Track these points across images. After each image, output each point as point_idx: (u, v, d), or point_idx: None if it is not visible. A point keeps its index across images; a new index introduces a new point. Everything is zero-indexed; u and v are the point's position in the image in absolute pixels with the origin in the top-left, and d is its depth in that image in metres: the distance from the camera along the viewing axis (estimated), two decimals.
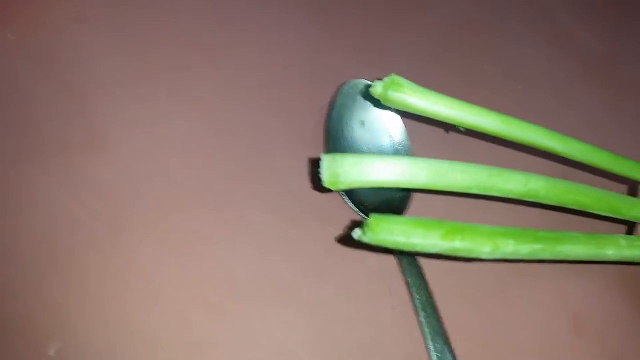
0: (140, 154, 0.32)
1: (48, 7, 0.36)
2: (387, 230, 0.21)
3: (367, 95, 0.30)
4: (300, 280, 0.29)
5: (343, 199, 0.30)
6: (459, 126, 0.25)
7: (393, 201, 0.31)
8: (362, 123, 0.32)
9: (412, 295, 0.28)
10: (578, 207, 0.26)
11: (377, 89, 0.25)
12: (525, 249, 0.23)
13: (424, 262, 0.29)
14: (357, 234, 0.22)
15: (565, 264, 0.31)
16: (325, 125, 0.32)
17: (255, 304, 0.29)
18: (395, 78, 0.24)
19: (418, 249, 0.22)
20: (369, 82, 0.30)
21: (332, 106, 0.32)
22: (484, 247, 0.22)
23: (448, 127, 0.27)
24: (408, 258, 0.29)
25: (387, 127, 0.32)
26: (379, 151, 0.31)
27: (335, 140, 0.31)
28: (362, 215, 0.30)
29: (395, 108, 0.26)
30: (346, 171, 0.23)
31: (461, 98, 0.31)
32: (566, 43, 0.41)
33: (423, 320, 0.28)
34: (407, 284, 0.29)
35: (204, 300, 0.28)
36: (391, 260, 0.30)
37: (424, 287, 0.28)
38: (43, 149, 0.31)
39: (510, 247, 0.23)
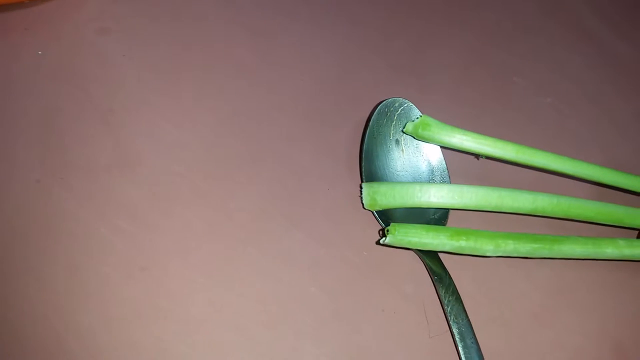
0: (169, 171, 0.31)
1: (70, 21, 0.35)
2: (403, 233, 0.28)
3: (403, 115, 0.33)
4: (333, 307, 0.29)
5: (377, 221, 0.31)
6: (481, 155, 0.31)
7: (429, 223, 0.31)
8: (397, 142, 0.32)
9: (449, 324, 0.28)
10: (582, 219, 0.31)
11: (409, 128, 0.31)
12: (524, 248, 0.29)
13: (462, 290, 0.29)
14: (382, 240, 0.29)
15: (604, 291, 0.32)
16: (361, 144, 0.33)
17: (286, 330, 0.28)
18: (425, 118, 0.31)
19: (429, 247, 0.29)
20: (404, 100, 0.33)
21: (367, 125, 0.32)
22: (487, 246, 0.29)
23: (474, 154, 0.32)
24: (446, 285, 0.29)
25: (422, 146, 0.33)
26: (414, 170, 0.32)
27: (370, 159, 0.32)
28: None
29: (426, 142, 0.32)
30: (382, 196, 0.30)
31: (491, 111, 0.36)
32: (597, 52, 0.41)
33: (461, 350, 0.27)
34: (445, 312, 0.29)
35: (235, 325, 0.28)
36: (428, 287, 0.30)
37: (462, 315, 0.28)
38: (68, 167, 0.30)
39: (510, 246, 0.29)
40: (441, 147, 0.33)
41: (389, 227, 0.29)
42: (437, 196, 0.30)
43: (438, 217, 0.32)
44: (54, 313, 0.27)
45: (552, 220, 0.32)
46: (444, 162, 0.33)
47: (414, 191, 0.30)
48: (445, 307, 0.29)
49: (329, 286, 0.30)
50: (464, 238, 0.29)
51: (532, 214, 0.31)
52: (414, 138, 0.32)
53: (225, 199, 0.31)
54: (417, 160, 0.33)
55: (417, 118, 0.31)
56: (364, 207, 0.31)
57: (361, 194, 0.31)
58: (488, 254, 0.30)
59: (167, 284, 0.28)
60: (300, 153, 0.33)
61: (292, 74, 0.36)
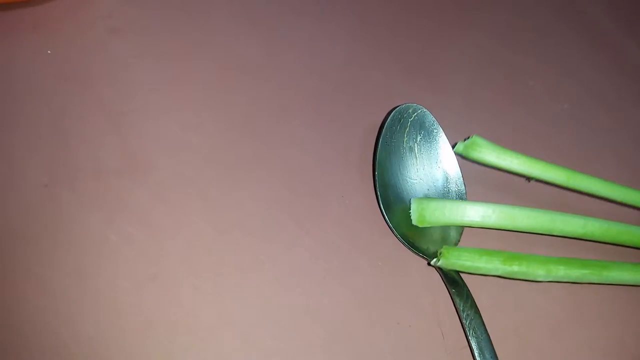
0: (179, 176, 0.30)
1: (80, 19, 0.34)
2: (456, 256, 0.28)
3: (416, 122, 0.32)
4: (346, 319, 0.28)
5: (393, 232, 0.30)
6: (528, 177, 0.32)
7: (446, 236, 0.31)
8: (411, 149, 0.32)
9: (468, 338, 0.28)
10: (631, 245, 0.31)
11: (459, 148, 0.31)
12: (575, 273, 0.29)
13: (477, 303, 0.28)
14: (433, 261, 0.29)
15: (623, 306, 0.31)
16: (374, 151, 0.32)
17: (299, 343, 0.27)
18: (475, 139, 0.31)
19: (482, 271, 0.29)
20: (418, 106, 0.32)
21: (380, 131, 0.32)
22: (538, 271, 0.29)
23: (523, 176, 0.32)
24: (464, 298, 0.28)
25: (436, 154, 0.32)
26: (429, 177, 0.32)
27: (384, 167, 0.31)
28: (409, 247, 0.30)
29: (475, 162, 0.32)
30: (431, 212, 0.30)
31: (506, 115, 0.36)
32: (614, 58, 0.41)
33: None
34: (463, 325, 0.28)
35: (245, 336, 0.27)
36: (444, 300, 0.29)
37: (481, 328, 0.27)
38: (77, 171, 0.30)
39: (561, 271, 0.29)
40: (490, 167, 0.32)
41: (441, 250, 0.29)
42: (488, 216, 0.30)
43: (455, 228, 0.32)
44: (60, 322, 0.26)
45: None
46: (459, 170, 0.33)
47: (465, 210, 0.30)
48: (464, 321, 0.28)
49: (342, 297, 0.29)
50: (517, 263, 0.29)
51: (582, 238, 0.31)
52: (462, 157, 0.32)
53: (236, 205, 0.30)
54: (432, 168, 0.32)
55: (467, 138, 0.31)
56: (383, 213, 0.31)
57: (378, 201, 0.31)
58: (539, 279, 0.29)
59: (177, 293, 0.28)
60: (311, 158, 0.33)
61: (303, 74, 0.35)
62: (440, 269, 0.30)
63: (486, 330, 0.28)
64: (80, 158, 0.30)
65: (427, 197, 0.31)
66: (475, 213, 0.30)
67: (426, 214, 0.30)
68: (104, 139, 0.31)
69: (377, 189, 0.31)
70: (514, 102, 0.37)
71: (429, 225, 0.30)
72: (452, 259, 0.28)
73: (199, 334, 0.27)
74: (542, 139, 0.36)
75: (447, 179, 0.32)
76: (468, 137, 0.31)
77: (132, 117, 0.32)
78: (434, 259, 0.29)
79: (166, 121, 0.32)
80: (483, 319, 0.28)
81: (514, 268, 0.29)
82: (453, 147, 0.32)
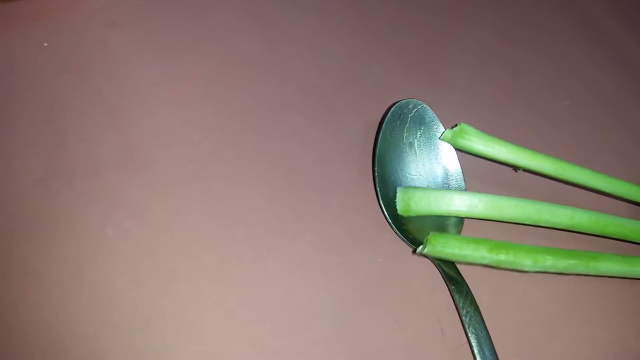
0: (178, 171, 0.30)
1: (78, 12, 0.34)
2: (442, 244, 0.28)
3: (416, 118, 0.32)
4: (346, 316, 0.28)
5: (392, 228, 0.30)
6: (517, 167, 0.31)
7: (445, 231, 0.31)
8: (411, 145, 0.32)
9: (467, 335, 0.27)
10: (618, 237, 0.31)
11: (447, 135, 0.31)
12: (562, 263, 0.29)
13: (477, 300, 0.28)
14: (419, 248, 0.28)
15: (623, 304, 0.31)
16: (374, 147, 0.31)
17: (298, 339, 0.27)
18: (463, 127, 0.30)
19: (469, 259, 0.28)
20: (418, 102, 0.32)
21: (379, 127, 0.32)
22: (525, 261, 0.28)
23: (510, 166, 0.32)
24: (463, 295, 0.28)
25: (436, 150, 0.32)
26: (428, 173, 0.32)
27: (383, 162, 0.31)
28: (409, 243, 0.30)
29: (462, 151, 0.31)
30: (416, 202, 0.29)
31: (506, 111, 0.36)
32: (614, 56, 0.40)
33: None
34: (462, 322, 0.28)
35: (245, 333, 0.27)
36: (444, 297, 0.29)
37: (480, 325, 0.27)
38: (74, 165, 0.29)
39: (548, 261, 0.29)
40: (476, 155, 0.32)
41: (427, 237, 0.28)
42: (474, 206, 0.29)
43: (453, 223, 0.31)
44: (56, 318, 0.26)
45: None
46: (459, 166, 0.32)
47: (450, 199, 0.29)
48: (463, 318, 0.28)
49: (342, 294, 0.29)
50: (504, 252, 0.28)
51: (570, 229, 0.31)
52: (454, 147, 0.32)
53: (235, 201, 0.30)
54: (432, 164, 0.32)
55: (456, 126, 0.31)
56: (383, 210, 0.31)
57: (378, 197, 0.30)
58: (526, 269, 0.29)
59: (175, 289, 0.27)
60: (312, 153, 0.32)
61: (304, 70, 0.35)
62: (440, 266, 0.30)
63: (486, 327, 0.28)
64: (78, 152, 0.30)
65: (413, 187, 0.31)
66: (461, 203, 0.29)
67: (412, 203, 0.30)
68: (103, 133, 0.31)
69: (377, 185, 0.31)
70: (514, 98, 0.37)
71: (414, 215, 0.30)
72: (438, 247, 0.28)
73: (197, 330, 0.27)
74: (542, 135, 0.36)
75: (446, 174, 0.32)
76: (456, 125, 0.31)
77: (131, 112, 0.32)
78: (420, 247, 0.29)
79: (166, 116, 0.32)
80: (483, 316, 0.28)
81: (501, 257, 0.28)
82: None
